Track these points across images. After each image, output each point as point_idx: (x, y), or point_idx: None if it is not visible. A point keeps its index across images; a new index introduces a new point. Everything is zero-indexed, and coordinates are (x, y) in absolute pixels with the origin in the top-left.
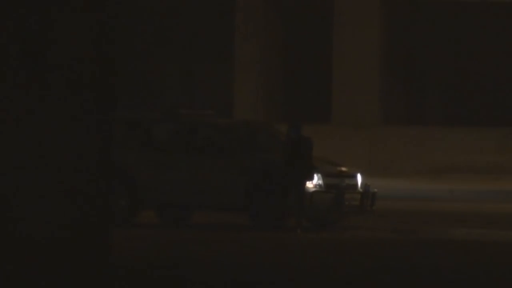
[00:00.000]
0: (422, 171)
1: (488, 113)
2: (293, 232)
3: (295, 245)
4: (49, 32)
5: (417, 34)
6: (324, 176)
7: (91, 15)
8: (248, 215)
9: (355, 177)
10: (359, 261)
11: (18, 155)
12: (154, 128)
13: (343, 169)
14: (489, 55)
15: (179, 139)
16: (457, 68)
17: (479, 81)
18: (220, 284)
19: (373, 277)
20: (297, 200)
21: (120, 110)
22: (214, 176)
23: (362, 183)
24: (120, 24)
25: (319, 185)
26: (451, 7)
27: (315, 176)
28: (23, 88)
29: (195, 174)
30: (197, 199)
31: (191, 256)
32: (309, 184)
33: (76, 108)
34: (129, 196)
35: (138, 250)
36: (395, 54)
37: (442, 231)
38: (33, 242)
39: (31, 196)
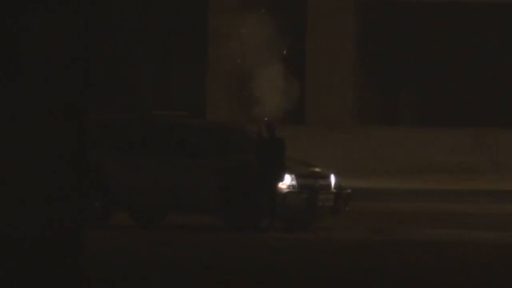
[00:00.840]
0: (396, 171)
1: (462, 113)
2: (267, 233)
3: (267, 246)
4: (22, 34)
5: (391, 33)
6: (298, 176)
7: (65, 17)
8: (221, 216)
9: (328, 177)
10: (332, 262)
11: None
12: (128, 130)
13: (317, 169)
14: (462, 56)
15: (152, 140)
16: (430, 68)
17: (453, 82)
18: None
19: (343, 277)
20: (269, 201)
21: (94, 112)
22: (187, 177)
23: (335, 184)
24: (93, 24)
25: (293, 185)
26: (424, 8)
27: (289, 177)
28: None
29: (168, 175)
30: (171, 201)
31: (159, 257)
32: (283, 185)
33: (49, 109)
34: (103, 197)
35: (109, 251)
36: (369, 54)
37: (417, 231)
38: (8, 241)
39: (5, 197)
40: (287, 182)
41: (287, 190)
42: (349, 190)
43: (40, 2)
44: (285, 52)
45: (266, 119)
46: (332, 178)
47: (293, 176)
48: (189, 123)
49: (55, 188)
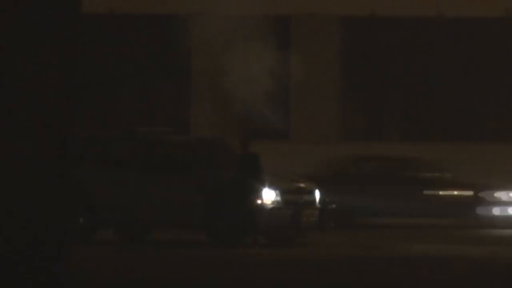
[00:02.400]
0: None
1: (445, 128)
2: (251, 249)
3: (249, 263)
4: (9, 51)
5: (376, 50)
6: (282, 192)
7: (47, 35)
8: (206, 232)
9: (313, 193)
10: (315, 278)
11: None
12: (112, 146)
13: (301, 185)
14: (446, 70)
15: (136, 157)
16: (414, 83)
17: (436, 96)
18: None
19: None
20: (250, 217)
21: (77, 128)
22: (171, 193)
23: (320, 199)
24: (76, 41)
25: (277, 201)
26: (409, 23)
27: (273, 193)
28: None
29: (152, 191)
30: (155, 217)
31: (143, 275)
32: (267, 201)
33: (32, 127)
34: (87, 214)
35: (93, 269)
36: (354, 70)
37: (402, 246)
38: None
39: None
40: (271, 197)
41: (271, 205)
42: (333, 206)
43: (21, 22)
44: (269, 69)
45: (241, 134)
46: (317, 194)
47: (277, 191)
48: (173, 139)
49: (39, 204)
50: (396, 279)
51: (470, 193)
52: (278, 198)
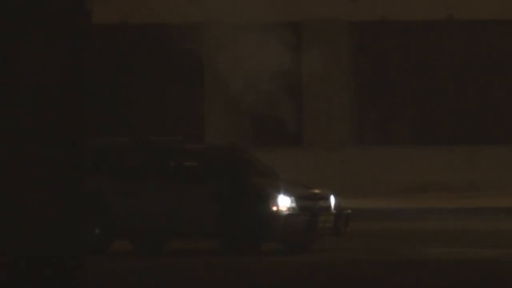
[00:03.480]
0: (395, 190)
1: (458, 131)
2: (268, 256)
3: (267, 270)
4: (17, 62)
5: (387, 55)
6: (297, 198)
7: (60, 46)
8: (221, 241)
9: (328, 198)
10: (334, 284)
11: None
12: (126, 155)
13: (316, 191)
14: (457, 74)
15: (150, 166)
16: (426, 87)
17: (448, 100)
18: None
19: None
20: (266, 224)
21: (91, 137)
22: (186, 202)
23: (335, 205)
24: (88, 50)
25: (293, 207)
26: (419, 27)
27: (288, 199)
28: None
29: (167, 201)
30: (171, 226)
31: (160, 285)
32: (283, 207)
33: (46, 138)
34: (102, 224)
35: (110, 279)
36: (365, 75)
37: (418, 250)
38: (13, 268)
39: (6, 220)
40: (286, 204)
41: (287, 212)
42: (349, 211)
43: (33, 35)
44: (281, 75)
45: (231, 142)
46: (332, 199)
47: (292, 198)
48: (186, 148)
49: (54, 215)
50: (410, 283)
51: None
52: (294, 205)
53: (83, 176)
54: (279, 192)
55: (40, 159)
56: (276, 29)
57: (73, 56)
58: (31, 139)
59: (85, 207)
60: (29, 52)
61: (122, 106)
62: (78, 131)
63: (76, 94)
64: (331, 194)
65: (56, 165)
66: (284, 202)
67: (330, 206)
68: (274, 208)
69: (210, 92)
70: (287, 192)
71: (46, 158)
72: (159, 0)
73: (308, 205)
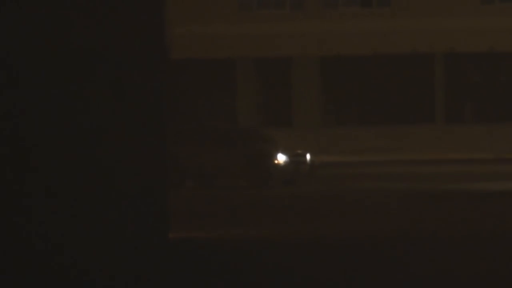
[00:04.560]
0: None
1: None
2: (273, 189)
3: (273, 195)
4: (98, 52)
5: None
6: (288, 156)
7: (140, 30)
8: (247, 179)
9: (305, 156)
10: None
11: (95, 166)
12: (194, 133)
13: (299, 151)
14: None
15: (207, 138)
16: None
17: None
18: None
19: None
20: (272, 170)
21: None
22: (228, 158)
23: (309, 159)
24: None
25: (285, 161)
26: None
27: (284, 156)
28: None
29: (217, 157)
30: (217, 170)
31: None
32: (280, 161)
33: (138, 123)
34: (180, 172)
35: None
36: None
37: (363, 183)
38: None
39: (100, 199)
40: (282, 159)
41: (282, 164)
42: (318, 163)
43: (116, 23)
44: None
45: (251, 125)
46: (308, 156)
47: (285, 156)
48: (228, 127)
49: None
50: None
51: None
52: (286, 159)
53: (167, 147)
54: (278, 153)
55: (138, 136)
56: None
57: (156, 40)
58: (130, 131)
59: (167, 163)
60: (110, 35)
61: (187, 103)
62: (162, 117)
63: (157, 94)
64: (307, 153)
65: (148, 140)
66: (281, 158)
67: (306, 160)
68: (276, 162)
69: (241, 88)
70: (283, 153)
71: (138, 144)
72: None
73: (294, 160)
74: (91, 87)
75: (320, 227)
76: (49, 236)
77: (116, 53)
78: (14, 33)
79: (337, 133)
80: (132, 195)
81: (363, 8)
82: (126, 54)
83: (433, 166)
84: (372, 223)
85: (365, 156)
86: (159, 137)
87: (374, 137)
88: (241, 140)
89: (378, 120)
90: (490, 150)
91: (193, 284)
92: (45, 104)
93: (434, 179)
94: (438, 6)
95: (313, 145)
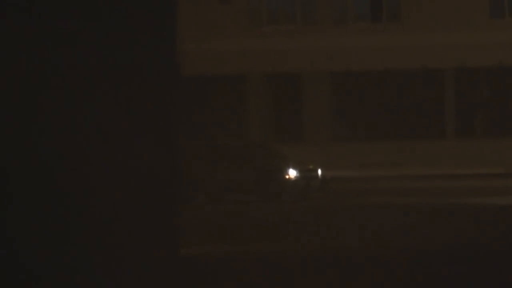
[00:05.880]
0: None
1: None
2: (284, 203)
3: (285, 209)
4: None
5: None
6: (299, 171)
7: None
8: (256, 194)
9: (317, 171)
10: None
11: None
12: (205, 148)
13: (310, 166)
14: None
15: (216, 152)
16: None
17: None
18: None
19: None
20: (282, 185)
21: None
22: (239, 172)
23: (321, 175)
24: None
25: (296, 176)
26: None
27: (295, 171)
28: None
29: (228, 172)
30: (229, 185)
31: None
32: (292, 176)
33: (154, 137)
34: (189, 185)
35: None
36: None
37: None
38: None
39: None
40: (294, 174)
41: (294, 178)
42: (329, 178)
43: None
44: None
45: (263, 140)
46: (319, 171)
47: (296, 171)
48: (239, 142)
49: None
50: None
51: None
52: (297, 174)
53: (181, 159)
54: (289, 168)
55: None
56: None
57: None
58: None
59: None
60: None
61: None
62: (175, 131)
63: (174, 107)
64: (318, 168)
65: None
66: (292, 173)
67: (317, 175)
68: (287, 177)
69: (252, 99)
70: (293, 168)
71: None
72: None
73: (305, 175)
74: (106, 103)
75: (332, 241)
76: (59, 249)
77: (130, 70)
78: (29, 44)
79: (348, 148)
80: (144, 209)
81: (373, 23)
82: (139, 71)
83: (444, 180)
84: (381, 237)
85: (376, 171)
86: (171, 152)
87: (384, 152)
88: (252, 155)
89: (388, 135)
90: (500, 164)
91: None
92: (62, 119)
93: (444, 194)
94: (447, 21)
95: (324, 160)
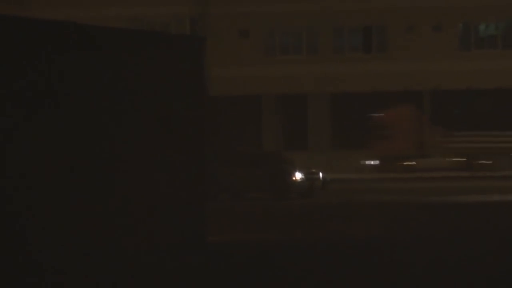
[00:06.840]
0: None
1: None
2: (292, 200)
3: (293, 206)
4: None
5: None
6: (304, 174)
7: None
8: (270, 193)
9: (319, 174)
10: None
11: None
12: (228, 156)
13: (313, 170)
14: None
15: (236, 159)
16: None
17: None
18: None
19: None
20: (291, 185)
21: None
22: (254, 175)
23: (322, 177)
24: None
25: (302, 178)
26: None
27: (300, 174)
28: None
29: (245, 176)
30: (246, 186)
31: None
32: (297, 177)
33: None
34: (215, 185)
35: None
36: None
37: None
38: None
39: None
40: (299, 176)
41: (299, 180)
42: (329, 179)
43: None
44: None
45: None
46: (321, 174)
47: (302, 173)
48: (256, 151)
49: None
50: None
51: None
52: (303, 176)
53: (206, 164)
54: (296, 171)
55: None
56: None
57: (193, 75)
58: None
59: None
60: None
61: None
62: (201, 138)
63: (199, 120)
64: (320, 171)
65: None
66: (298, 176)
67: (319, 177)
68: (294, 178)
69: (267, 113)
70: (300, 171)
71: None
72: None
73: (309, 177)
74: (146, 122)
75: (334, 231)
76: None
77: (166, 93)
78: (77, 73)
79: (344, 155)
80: (179, 205)
81: (365, 53)
82: (173, 93)
83: (421, 182)
84: (377, 228)
85: (367, 174)
86: (200, 159)
87: (374, 157)
88: (266, 161)
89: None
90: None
91: (230, 280)
92: (105, 134)
93: (424, 192)
94: (425, 52)
95: (324, 164)
